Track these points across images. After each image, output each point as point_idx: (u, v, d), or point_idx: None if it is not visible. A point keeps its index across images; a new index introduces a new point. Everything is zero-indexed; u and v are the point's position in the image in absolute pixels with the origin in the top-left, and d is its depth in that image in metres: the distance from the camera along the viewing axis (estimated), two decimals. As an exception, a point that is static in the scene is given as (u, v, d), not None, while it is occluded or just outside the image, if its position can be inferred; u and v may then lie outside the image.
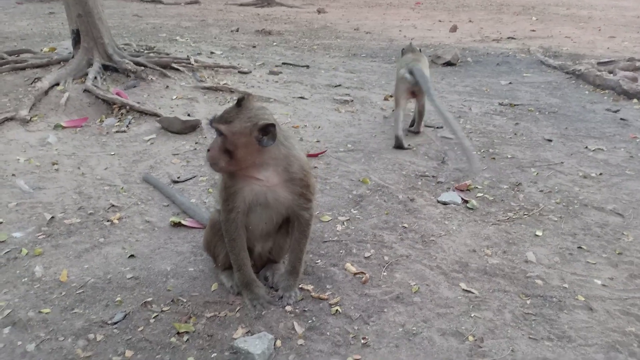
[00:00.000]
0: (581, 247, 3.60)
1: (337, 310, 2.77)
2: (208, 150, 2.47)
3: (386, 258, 3.36)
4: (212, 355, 2.42)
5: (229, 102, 6.54)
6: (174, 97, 6.51)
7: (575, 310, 2.93)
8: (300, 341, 2.55)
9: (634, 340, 2.70)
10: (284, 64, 9.02)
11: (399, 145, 5.40)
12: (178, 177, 4.36)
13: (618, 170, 5.04)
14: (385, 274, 3.18)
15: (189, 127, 5.52)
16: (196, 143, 5.19)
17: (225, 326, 2.62)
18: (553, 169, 5.00)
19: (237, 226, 2.66)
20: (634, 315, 2.89)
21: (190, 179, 4.38)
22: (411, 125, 6.04)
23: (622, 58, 9.76)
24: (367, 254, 3.38)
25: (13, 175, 4.25)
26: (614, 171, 4.99)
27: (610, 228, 3.88)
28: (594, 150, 5.54)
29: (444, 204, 4.23)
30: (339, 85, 7.86)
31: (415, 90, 5.44)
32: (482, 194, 4.41)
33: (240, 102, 2.45)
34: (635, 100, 7.48)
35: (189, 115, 5.97)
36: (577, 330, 2.76)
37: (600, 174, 4.91)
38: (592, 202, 4.30)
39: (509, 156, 5.32)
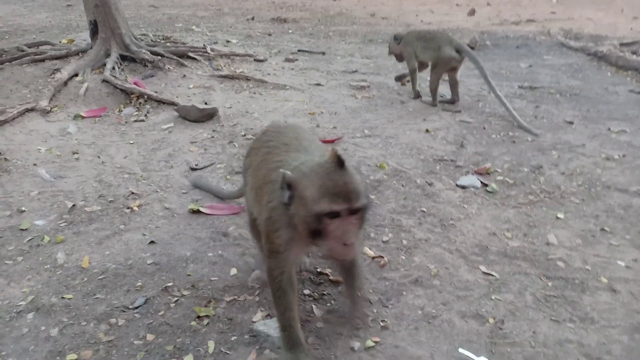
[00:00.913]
0: (604, 229, 3.53)
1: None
2: (345, 243, 1.95)
3: (405, 242, 3.33)
4: (232, 339, 2.44)
5: (245, 90, 6.54)
6: (191, 86, 6.53)
7: (598, 292, 2.88)
8: (319, 324, 2.56)
9: (659, 322, 2.64)
10: (299, 51, 8.97)
11: (433, 104, 6.26)
12: (196, 165, 4.38)
13: (642, 151, 4.92)
14: (404, 257, 3.17)
15: (206, 115, 5.54)
16: (213, 131, 5.21)
17: (245, 310, 2.63)
18: (574, 152, 4.90)
19: (290, 278, 2.27)
20: (659, 297, 2.84)
21: (208, 166, 4.40)
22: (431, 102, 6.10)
23: (646, 38, 9.50)
24: (385, 238, 3.37)
25: (34, 164, 4.32)
26: (637, 153, 4.88)
27: (634, 210, 3.80)
28: (616, 132, 5.42)
29: (463, 187, 4.18)
30: (355, 71, 7.80)
31: (457, 66, 6.07)
32: (502, 177, 4.34)
33: (343, 164, 1.93)
34: (659, 81, 7.28)
35: (205, 103, 5.99)
36: (599, 312, 2.71)
37: (624, 155, 4.80)
38: (615, 184, 4.21)
39: (530, 139, 5.22)
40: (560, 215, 3.72)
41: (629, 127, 5.56)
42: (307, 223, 1.97)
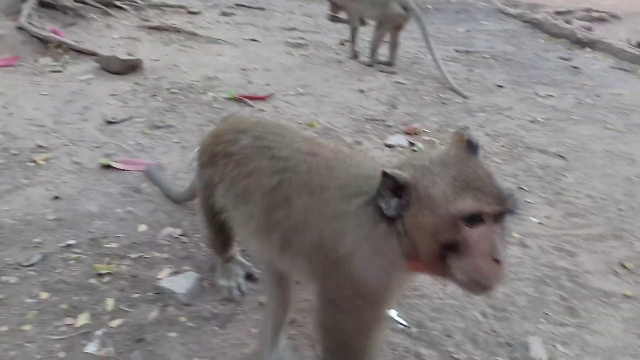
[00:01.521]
0: (521, 188, 3.62)
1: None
2: (495, 259, 1.38)
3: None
4: (134, 296, 2.32)
5: (174, 42, 6.20)
6: (116, 36, 6.12)
7: (510, 246, 2.95)
8: (232, 282, 2.47)
9: (563, 274, 2.74)
10: (237, 5, 8.60)
11: (370, 64, 6.13)
12: (113, 118, 4.12)
13: (565, 115, 5.08)
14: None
15: (129, 67, 5.21)
16: (136, 84, 4.91)
17: (151, 267, 2.51)
18: (502, 114, 4.99)
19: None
20: (566, 251, 2.94)
21: (126, 120, 4.14)
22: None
23: (580, 8, 9.77)
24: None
25: None
26: (560, 116, 5.03)
27: (552, 170, 3.91)
28: (543, 96, 5.56)
29: (391, 147, 4.16)
30: (294, 28, 7.57)
31: (402, 24, 5.97)
32: (429, 138, 4.36)
33: (476, 150, 1.48)
34: (587, 49, 7.53)
35: (130, 55, 5.63)
36: (509, 265, 2.78)
37: (548, 118, 4.93)
38: (537, 145, 4.32)
39: (460, 101, 5.27)
40: (482, 175, 3.77)
41: (555, 91, 5.71)
42: (435, 236, 1.39)
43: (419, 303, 2.46)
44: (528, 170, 3.88)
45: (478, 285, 1.40)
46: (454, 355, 2.20)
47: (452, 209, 1.36)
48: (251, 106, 4.58)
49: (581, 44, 7.59)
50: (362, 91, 5.33)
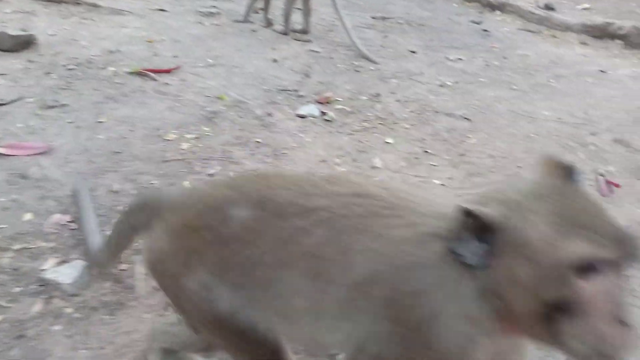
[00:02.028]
0: (427, 151, 3.70)
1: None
2: (620, 321, 1.09)
3: (232, 174, 3.20)
4: (15, 290, 2.17)
5: (74, 15, 5.77)
6: (8, 10, 5.62)
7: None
8: (123, 265, 2.37)
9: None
10: (145, -26, 8.11)
11: (284, 32, 6.00)
12: (0, 100, 3.79)
13: (473, 78, 5.22)
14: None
15: (21, 44, 4.79)
16: (29, 61, 4.53)
17: (35, 258, 2.35)
18: (413, 79, 5.06)
19: None
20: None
21: (16, 100, 3.83)
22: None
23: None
24: (211, 171, 3.21)
25: None
26: (469, 79, 5.16)
27: (457, 132, 4.02)
28: (453, 60, 5.68)
29: (302, 117, 4.11)
30: (206, -4, 7.26)
31: None
32: (341, 106, 4.35)
33: (576, 177, 1.22)
34: (498, 12, 7.75)
35: (23, 30, 5.19)
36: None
37: (456, 82, 5.05)
38: (444, 109, 4.42)
39: (373, 68, 5.28)
40: (390, 140, 3.82)
41: (465, 55, 5.85)
42: (535, 292, 1.10)
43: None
44: (435, 134, 3.97)
45: (600, 356, 1.09)
46: None
47: (558, 255, 1.06)
48: (155, 80, 4.36)
49: (492, 6, 7.80)
50: (275, 60, 5.21)
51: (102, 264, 2.09)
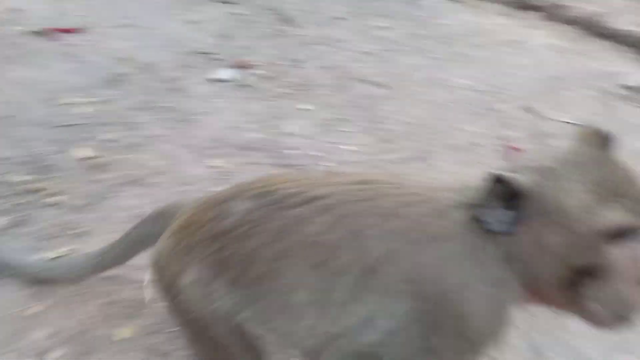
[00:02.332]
0: (343, 118, 3.68)
1: (56, 201, 2.45)
2: None
3: (135, 140, 3.06)
4: None
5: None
6: None
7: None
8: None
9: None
10: None
11: None
12: None
13: (397, 46, 5.22)
14: (129, 156, 2.91)
15: None
16: None
17: None
18: (337, 46, 4.99)
19: None
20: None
21: None
22: None
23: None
24: (111, 137, 3.05)
25: None
26: (392, 47, 5.16)
27: (374, 99, 4.02)
28: (378, 27, 5.65)
29: (218, 81, 3.98)
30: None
31: None
32: (260, 71, 4.24)
33: (612, 144, 1.24)
34: (427, -19, 7.75)
35: None
36: None
37: (379, 50, 5.03)
38: (365, 76, 4.40)
39: (297, 34, 5.17)
40: (308, 107, 3.77)
41: (391, 22, 5.83)
42: (566, 259, 1.14)
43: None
44: (352, 101, 3.95)
45: (616, 317, 1.16)
46: None
47: (595, 222, 1.09)
48: (58, 40, 4.07)
49: (422, -24, 7.81)
50: (194, 23, 4.99)
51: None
